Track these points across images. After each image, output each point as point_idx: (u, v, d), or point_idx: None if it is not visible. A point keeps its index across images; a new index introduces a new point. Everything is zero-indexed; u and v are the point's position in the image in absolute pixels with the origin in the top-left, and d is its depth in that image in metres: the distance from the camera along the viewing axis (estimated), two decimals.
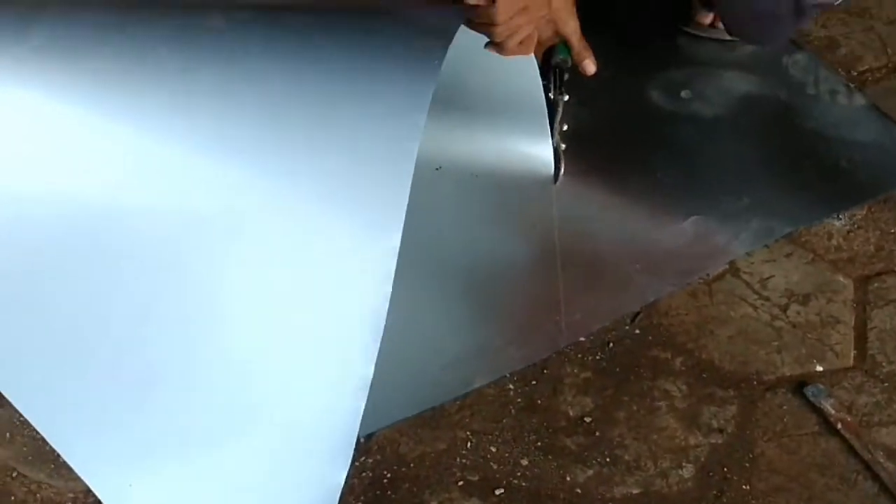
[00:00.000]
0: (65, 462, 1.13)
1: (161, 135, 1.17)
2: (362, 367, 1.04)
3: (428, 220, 1.32)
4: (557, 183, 1.42)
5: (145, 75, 1.20)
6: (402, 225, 1.05)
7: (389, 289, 1.03)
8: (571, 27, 1.29)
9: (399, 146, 1.10)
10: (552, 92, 1.36)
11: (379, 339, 1.03)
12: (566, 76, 1.35)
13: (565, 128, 1.40)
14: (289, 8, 1.28)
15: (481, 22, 1.15)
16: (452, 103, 1.35)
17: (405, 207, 1.05)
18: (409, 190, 1.05)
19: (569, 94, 1.37)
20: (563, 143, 1.41)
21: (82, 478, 1.11)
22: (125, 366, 1.15)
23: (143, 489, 1.09)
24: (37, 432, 1.15)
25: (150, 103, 1.18)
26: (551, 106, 1.38)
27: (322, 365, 1.09)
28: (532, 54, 1.28)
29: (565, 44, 1.31)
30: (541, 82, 1.34)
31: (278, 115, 1.15)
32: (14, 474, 1.14)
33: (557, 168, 1.42)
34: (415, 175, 1.06)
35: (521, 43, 1.20)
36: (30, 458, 1.15)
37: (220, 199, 1.15)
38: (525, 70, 1.33)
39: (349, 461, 1.03)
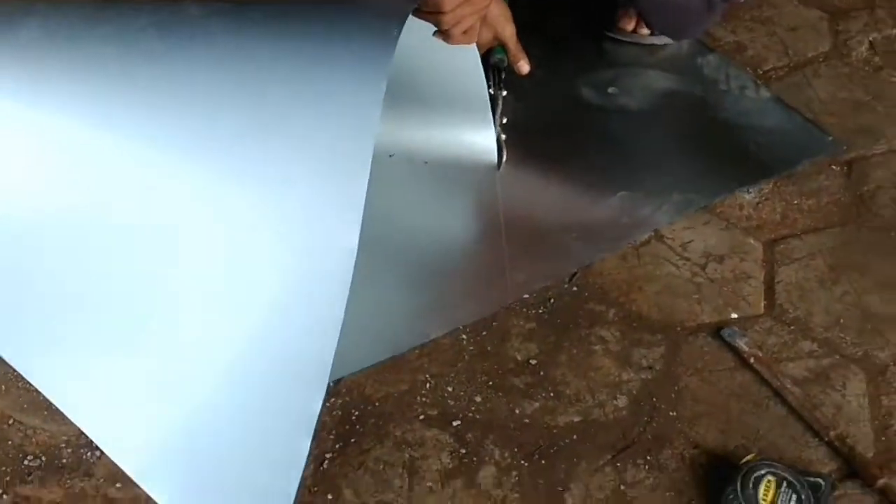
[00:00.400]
0: (57, 409, 1.23)
1: (137, 123, 1.27)
2: (335, 312, 1.16)
3: (385, 201, 1.44)
4: (500, 168, 1.58)
5: (129, 61, 1.31)
6: (363, 196, 1.17)
7: (353, 257, 1.14)
8: (508, 32, 1.46)
9: (358, 129, 1.22)
10: (492, 88, 1.53)
11: (346, 295, 1.15)
12: (503, 75, 1.52)
13: (505, 120, 1.57)
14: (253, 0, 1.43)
15: (429, 11, 1.30)
16: (405, 97, 1.49)
17: (366, 181, 1.16)
18: (369, 167, 1.16)
19: (507, 91, 1.53)
20: (504, 133, 1.57)
21: (73, 421, 1.22)
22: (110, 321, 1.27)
23: (127, 427, 1.20)
24: (30, 384, 1.25)
25: (136, 90, 1.31)
26: (493, 100, 1.54)
27: (298, 312, 1.21)
28: (475, 46, 1.44)
29: (503, 46, 1.48)
30: (483, 79, 1.51)
31: (242, 100, 1.26)
32: (11, 421, 1.25)
33: (500, 156, 1.58)
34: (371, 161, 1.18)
35: (465, 32, 1.35)
36: (25, 406, 1.26)
37: (187, 181, 1.25)
38: (469, 67, 1.49)
39: (324, 390, 1.14)
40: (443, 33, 1.34)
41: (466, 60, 1.47)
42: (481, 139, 1.58)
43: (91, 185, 1.28)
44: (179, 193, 1.25)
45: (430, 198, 1.56)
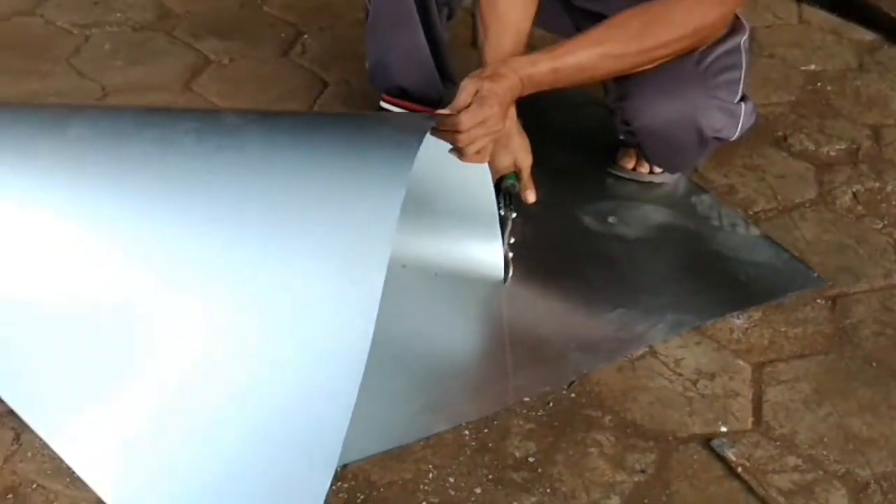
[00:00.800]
0: (79, 476, 1.29)
1: (184, 213, 1.40)
2: (347, 398, 1.22)
3: (397, 306, 1.52)
4: (506, 283, 1.68)
5: (172, 161, 1.45)
6: (379, 291, 1.26)
7: (366, 351, 1.23)
8: (526, 162, 1.61)
9: (377, 230, 1.31)
10: (502, 210, 1.65)
11: (359, 379, 1.23)
12: (513, 199, 1.65)
13: (513, 240, 1.68)
14: (289, 113, 1.56)
15: (446, 129, 1.44)
16: (420, 213, 1.61)
17: (383, 276, 1.26)
18: (386, 262, 1.27)
19: (516, 213, 1.66)
20: (511, 251, 1.69)
21: (93, 489, 1.28)
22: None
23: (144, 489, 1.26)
24: (54, 451, 1.32)
25: (175, 185, 1.43)
26: (502, 221, 1.66)
27: (314, 397, 1.28)
28: (488, 170, 1.58)
29: (516, 173, 1.62)
30: (494, 201, 1.63)
31: (269, 200, 1.38)
32: (34, 486, 1.30)
33: (507, 272, 1.69)
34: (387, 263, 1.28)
35: (477, 152, 1.48)
36: (48, 472, 1.31)
37: (216, 268, 1.36)
38: (482, 189, 1.62)
39: (333, 472, 1.21)
40: (458, 151, 1.47)
41: (480, 183, 1.61)
42: (490, 256, 1.69)
43: (128, 269, 1.38)
44: (211, 279, 1.35)
45: (440, 306, 1.65)
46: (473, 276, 1.69)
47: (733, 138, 1.77)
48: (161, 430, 1.30)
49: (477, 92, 1.44)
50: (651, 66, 1.60)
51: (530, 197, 1.63)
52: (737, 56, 1.74)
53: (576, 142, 2.03)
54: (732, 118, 1.74)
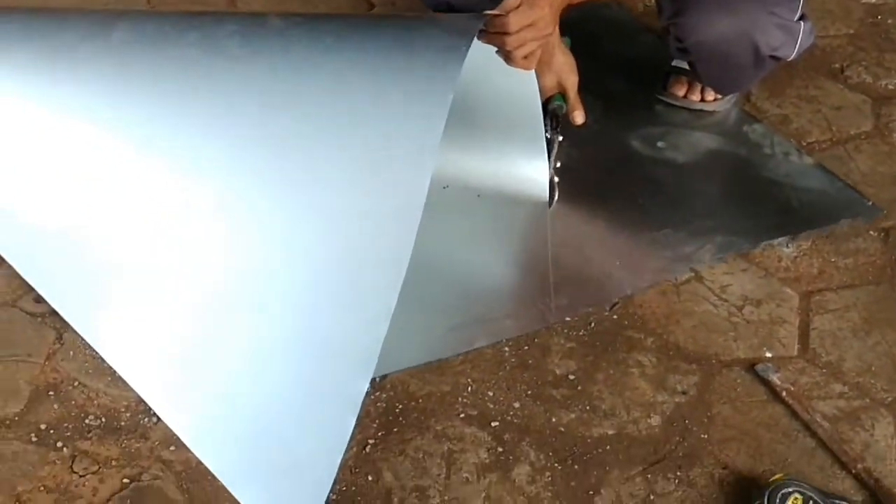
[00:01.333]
0: (120, 376, 1.30)
1: (227, 118, 1.36)
2: (387, 302, 1.19)
3: (439, 225, 1.51)
4: (551, 206, 1.66)
5: (212, 64, 1.40)
6: (424, 193, 1.21)
7: (407, 256, 1.19)
8: (571, 81, 1.56)
9: (423, 137, 1.26)
10: (549, 132, 1.62)
11: (398, 286, 1.19)
12: (560, 121, 1.61)
13: (558, 164, 1.65)
14: (335, 16, 1.51)
15: (495, 31, 1.37)
16: (465, 133, 1.59)
17: (428, 179, 1.21)
18: (432, 167, 1.22)
19: (563, 136, 1.62)
20: (557, 175, 1.66)
21: (135, 389, 1.29)
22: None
23: (184, 395, 1.27)
24: (96, 351, 1.33)
25: (218, 89, 1.39)
26: (548, 143, 1.63)
27: (355, 300, 1.26)
28: (537, 90, 1.53)
29: (563, 95, 1.58)
30: (542, 121, 1.60)
31: (315, 103, 1.33)
32: (75, 384, 1.31)
33: (552, 195, 1.65)
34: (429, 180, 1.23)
35: (525, 57, 1.41)
36: (90, 370, 1.33)
37: (259, 172, 1.33)
38: (530, 108, 1.59)
39: (371, 372, 1.18)
40: (505, 54, 1.39)
41: (528, 102, 1.57)
42: (535, 178, 1.66)
43: (177, 172, 1.37)
44: (252, 183, 1.33)
45: (482, 224, 1.63)
46: (517, 199, 1.66)
47: (791, 58, 1.71)
48: (205, 337, 1.30)
49: None
50: None
51: (578, 118, 1.58)
52: None
53: (626, 69, 1.98)
54: (791, 36, 1.68)
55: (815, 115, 1.94)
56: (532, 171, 1.65)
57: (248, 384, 1.26)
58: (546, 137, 1.61)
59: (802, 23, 1.70)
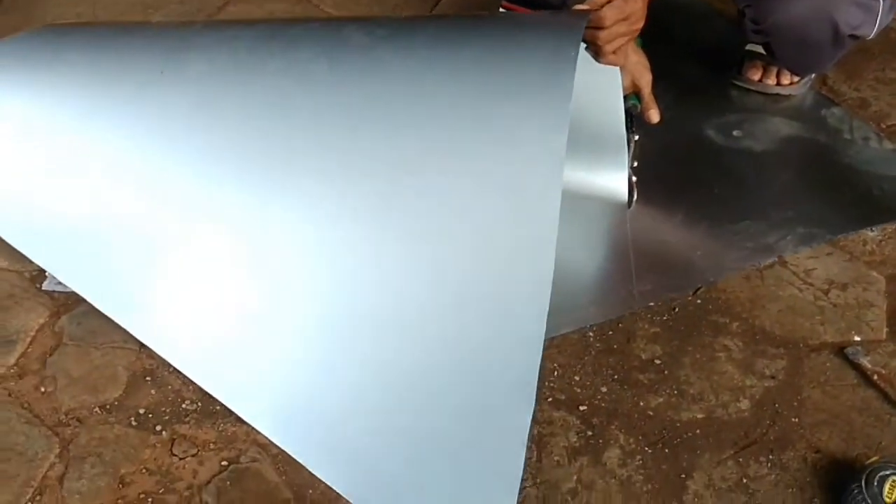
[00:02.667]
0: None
1: (318, 142, 1.27)
2: (536, 319, 1.15)
3: None
4: (631, 207, 1.63)
5: (306, 98, 1.30)
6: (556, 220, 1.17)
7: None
8: (646, 80, 1.53)
9: (546, 156, 1.17)
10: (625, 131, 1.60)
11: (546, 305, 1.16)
12: (634, 120, 1.58)
13: (636, 164, 1.61)
14: (419, 23, 1.42)
15: (589, 26, 1.37)
16: None
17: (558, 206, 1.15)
18: (562, 173, 1.14)
19: (638, 134, 1.60)
20: (635, 175, 1.61)
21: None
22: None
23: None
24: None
25: (305, 115, 1.28)
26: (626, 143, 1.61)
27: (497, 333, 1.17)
28: (620, 91, 1.50)
29: (637, 94, 1.56)
30: (623, 121, 1.56)
31: (423, 133, 1.23)
32: (171, 369, 1.33)
33: (631, 196, 1.62)
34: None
35: (615, 52, 1.41)
36: None
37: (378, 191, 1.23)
38: (611, 109, 1.54)
39: (532, 404, 1.12)
40: (596, 49, 1.38)
41: (609, 103, 1.53)
42: (615, 179, 1.62)
43: (291, 226, 1.26)
44: (380, 225, 1.23)
45: (565, 213, 1.61)
46: (598, 199, 1.62)
47: (871, 36, 1.69)
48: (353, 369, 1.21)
49: None
50: None
51: (654, 117, 1.56)
52: None
53: (699, 55, 1.97)
54: (870, 14, 1.65)
55: (894, 97, 1.91)
56: (612, 173, 1.63)
57: (395, 421, 1.17)
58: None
59: (882, 0, 1.67)
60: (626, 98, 1.56)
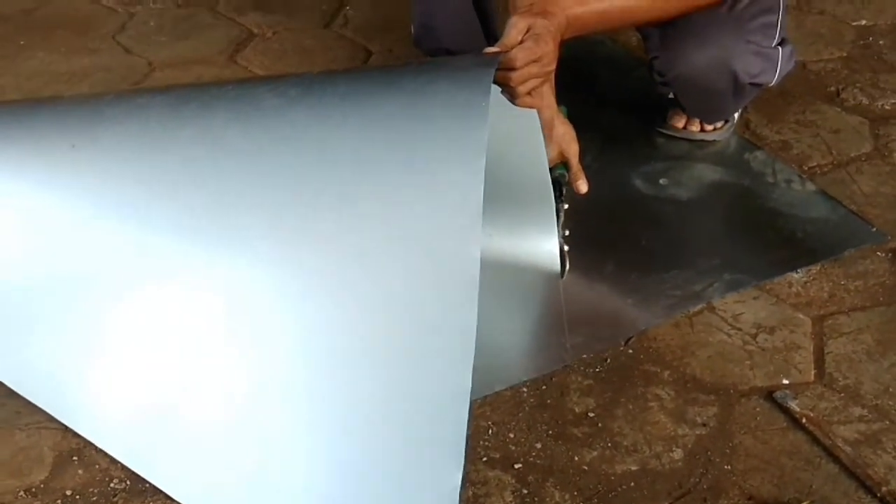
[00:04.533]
0: None
1: (239, 203, 1.27)
2: (461, 380, 1.15)
3: None
4: (563, 277, 1.60)
5: (221, 159, 1.30)
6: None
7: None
8: (573, 150, 1.55)
9: (465, 206, 1.17)
10: (554, 201, 1.57)
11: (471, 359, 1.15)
12: (563, 189, 1.58)
13: (567, 233, 1.60)
14: (330, 79, 1.41)
15: (499, 67, 1.35)
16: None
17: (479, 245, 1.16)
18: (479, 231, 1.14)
19: (567, 204, 1.58)
20: (567, 244, 1.60)
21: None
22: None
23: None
24: None
25: (219, 185, 1.29)
26: (556, 214, 1.58)
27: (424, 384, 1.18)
28: (545, 159, 1.49)
29: (564, 164, 1.56)
30: (551, 189, 1.54)
31: (329, 192, 1.23)
32: (98, 448, 1.31)
33: (563, 266, 1.60)
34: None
35: (529, 93, 1.40)
36: None
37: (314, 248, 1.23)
38: (537, 177, 1.54)
39: (462, 462, 1.12)
40: (510, 91, 1.38)
41: (535, 172, 1.52)
42: (545, 249, 1.60)
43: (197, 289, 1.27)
44: (293, 289, 1.24)
45: (493, 268, 1.61)
46: (529, 268, 1.60)
47: (772, 83, 1.74)
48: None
49: (529, 29, 1.37)
50: (700, 4, 1.56)
51: (582, 188, 1.56)
52: None
53: (624, 104, 2.01)
54: (770, 62, 1.70)
55: (815, 139, 1.96)
56: (542, 243, 1.61)
57: (327, 488, 1.18)
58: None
59: (781, 48, 1.72)
60: (553, 168, 1.55)
